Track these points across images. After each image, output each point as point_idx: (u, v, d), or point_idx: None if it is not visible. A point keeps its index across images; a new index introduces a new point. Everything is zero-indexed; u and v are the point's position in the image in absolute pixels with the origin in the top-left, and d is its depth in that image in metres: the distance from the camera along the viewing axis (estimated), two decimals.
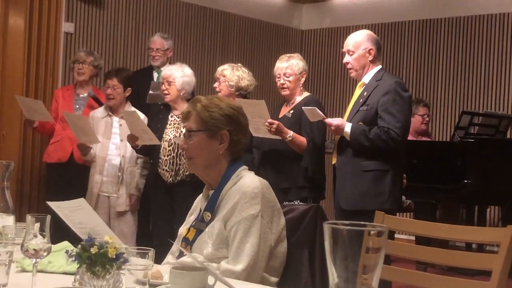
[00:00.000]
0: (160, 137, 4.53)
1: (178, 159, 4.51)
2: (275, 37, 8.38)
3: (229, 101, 2.33)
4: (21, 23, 5.82)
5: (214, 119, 2.22)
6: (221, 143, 2.23)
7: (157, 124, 4.62)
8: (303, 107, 4.02)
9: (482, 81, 7.26)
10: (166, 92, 4.57)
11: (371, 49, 3.87)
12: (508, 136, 6.43)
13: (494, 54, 7.19)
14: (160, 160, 4.56)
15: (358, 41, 3.89)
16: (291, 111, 4.25)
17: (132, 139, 4.44)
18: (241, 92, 4.54)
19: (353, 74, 3.95)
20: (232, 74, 4.50)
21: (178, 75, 4.56)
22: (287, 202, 2.62)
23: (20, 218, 1.90)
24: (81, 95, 5.16)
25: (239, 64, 4.64)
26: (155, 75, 5.42)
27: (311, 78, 8.05)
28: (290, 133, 4.08)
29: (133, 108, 4.80)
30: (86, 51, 5.27)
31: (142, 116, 4.70)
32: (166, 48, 5.47)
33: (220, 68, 4.58)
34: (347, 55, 3.93)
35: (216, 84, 4.57)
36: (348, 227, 0.96)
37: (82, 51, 5.30)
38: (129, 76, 4.88)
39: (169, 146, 4.54)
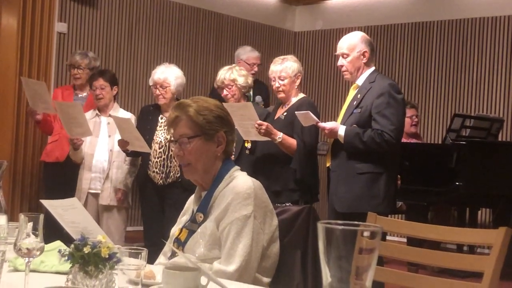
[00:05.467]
0: (150, 139, 4.53)
1: (168, 161, 4.50)
2: (268, 38, 8.39)
3: (213, 101, 2.29)
4: (14, 23, 5.80)
5: (210, 123, 2.20)
6: (218, 145, 2.22)
7: (147, 126, 4.61)
8: (296, 112, 4.00)
9: (474, 84, 7.29)
10: (161, 97, 4.56)
11: (365, 51, 3.86)
12: (500, 139, 6.45)
13: (486, 57, 7.22)
14: (150, 162, 4.55)
15: (352, 44, 3.87)
16: (285, 113, 4.24)
17: (122, 144, 4.43)
18: (247, 90, 4.56)
19: (347, 76, 3.92)
20: (240, 76, 4.45)
21: (172, 79, 4.56)
22: (278, 204, 2.62)
23: (12, 218, 1.89)
24: (80, 95, 5.14)
25: (234, 64, 4.62)
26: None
27: (303, 80, 8.03)
28: (280, 134, 4.08)
29: (123, 112, 4.80)
30: (81, 54, 5.19)
31: (129, 115, 4.71)
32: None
33: (225, 75, 4.43)
34: (341, 58, 3.90)
35: (225, 92, 4.44)
36: (342, 227, 0.96)
37: (77, 54, 5.21)
38: (114, 75, 4.91)
39: (159, 148, 4.53)
